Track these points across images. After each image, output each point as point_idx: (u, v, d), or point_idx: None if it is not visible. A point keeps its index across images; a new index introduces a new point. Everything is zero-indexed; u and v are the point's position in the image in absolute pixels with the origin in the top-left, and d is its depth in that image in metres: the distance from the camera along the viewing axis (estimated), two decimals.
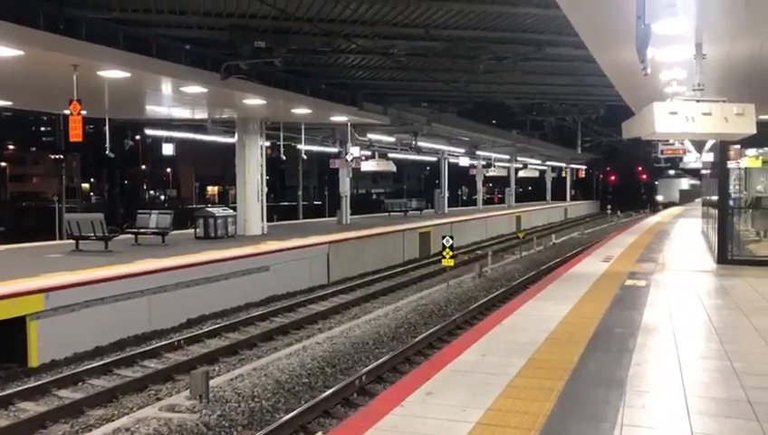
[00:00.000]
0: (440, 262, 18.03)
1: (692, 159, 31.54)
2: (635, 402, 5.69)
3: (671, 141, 24.66)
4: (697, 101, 9.41)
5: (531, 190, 75.45)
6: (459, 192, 75.65)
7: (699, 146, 26.35)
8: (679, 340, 7.94)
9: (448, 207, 41.87)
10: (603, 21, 9.21)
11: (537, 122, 41.21)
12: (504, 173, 51.45)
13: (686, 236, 24.41)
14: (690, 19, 8.16)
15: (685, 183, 67.63)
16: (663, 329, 8.55)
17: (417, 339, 12.42)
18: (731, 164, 15.44)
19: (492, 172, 47.87)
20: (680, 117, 9.31)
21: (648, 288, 11.82)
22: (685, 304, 10.50)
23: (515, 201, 54.42)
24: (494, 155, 45.56)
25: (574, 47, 15.93)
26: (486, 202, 58.42)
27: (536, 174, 59.24)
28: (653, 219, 35.76)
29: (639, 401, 5.74)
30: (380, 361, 10.82)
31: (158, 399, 9.67)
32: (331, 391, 9.30)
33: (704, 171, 28.10)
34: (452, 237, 17.44)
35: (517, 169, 54.36)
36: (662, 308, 9.99)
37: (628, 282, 12.61)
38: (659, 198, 68.10)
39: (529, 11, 15.17)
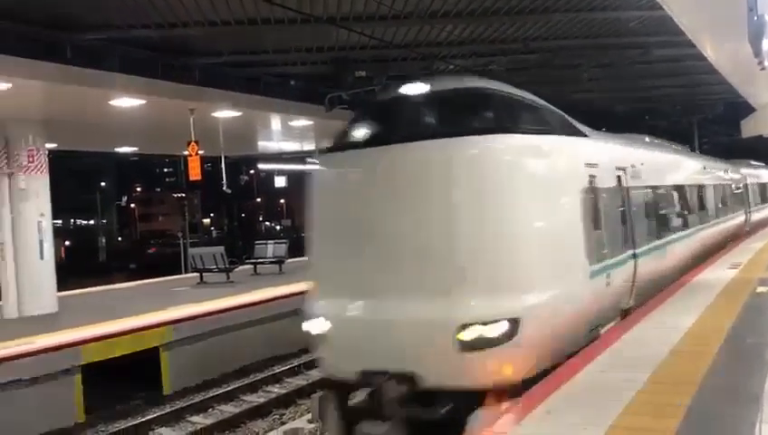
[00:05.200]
0: None
1: None
2: None
3: None
4: None
5: None
6: None
7: None
8: None
9: None
10: (712, 17, 8.83)
11: (650, 126, 39.49)
12: None
13: None
14: None
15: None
16: None
17: None
18: None
19: None
20: None
21: None
22: None
23: None
24: None
25: (683, 47, 15.22)
26: None
27: None
28: None
29: None
30: None
31: (282, 423, 10.00)
32: None
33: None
34: None
35: None
36: None
37: (760, 289, 11.78)
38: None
39: (632, 14, 14.67)
